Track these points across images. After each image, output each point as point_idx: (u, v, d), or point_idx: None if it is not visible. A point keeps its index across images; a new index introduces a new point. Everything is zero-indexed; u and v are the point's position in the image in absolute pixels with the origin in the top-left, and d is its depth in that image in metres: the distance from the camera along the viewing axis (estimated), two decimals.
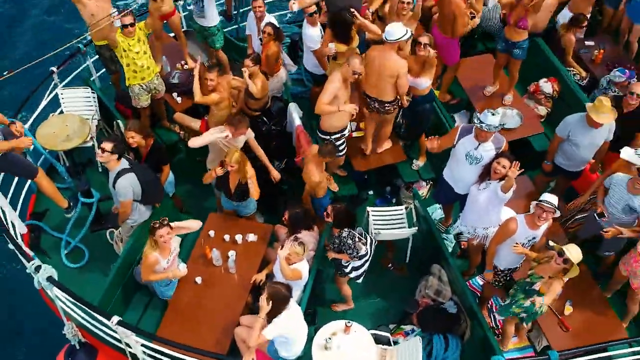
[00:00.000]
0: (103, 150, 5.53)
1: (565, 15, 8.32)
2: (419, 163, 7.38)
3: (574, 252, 4.81)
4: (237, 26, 9.36)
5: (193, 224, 5.85)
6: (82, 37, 7.39)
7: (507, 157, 5.34)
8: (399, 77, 6.17)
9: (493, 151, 5.52)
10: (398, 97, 6.42)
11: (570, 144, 6.20)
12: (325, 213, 5.84)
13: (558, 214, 5.17)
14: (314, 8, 7.03)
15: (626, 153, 5.75)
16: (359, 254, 5.64)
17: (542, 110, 7.92)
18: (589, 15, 8.32)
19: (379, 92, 6.40)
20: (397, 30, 6.11)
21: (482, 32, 8.81)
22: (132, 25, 6.29)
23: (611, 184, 5.73)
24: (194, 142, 6.30)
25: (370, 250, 5.84)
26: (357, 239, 5.61)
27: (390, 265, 6.88)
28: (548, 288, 5.03)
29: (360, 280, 6.05)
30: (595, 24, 9.29)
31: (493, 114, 5.30)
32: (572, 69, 8.20)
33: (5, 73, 5.44)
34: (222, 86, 6.55)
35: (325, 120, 6.39)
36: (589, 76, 8.24)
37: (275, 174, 6.73)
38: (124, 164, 5.69)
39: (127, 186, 5.62)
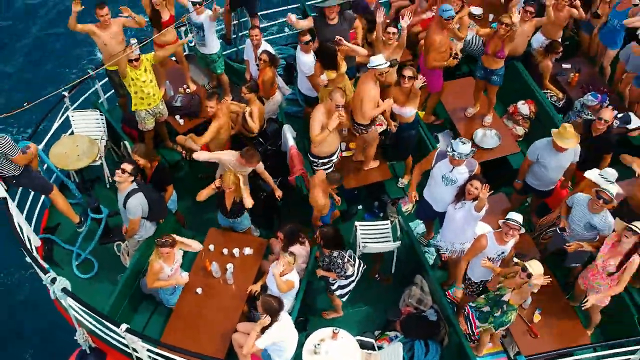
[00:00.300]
0: (123, 171, 6.11)
1: (538, 40, 8.88)
2: (404, 181, 7.95)
3: (535, 268, 5.36)
4: (236, 49, 9.94)
5: (195, 245, 6.40)
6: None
7: (479, 179, 5.89)
8: (362, 101, 6.73)
9: (466, 174, 6.08)
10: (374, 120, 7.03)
11: (539, 166, 6.75)
12: (315, 235, 6.40)
13: (523, 230, 5.72)
14: (308, 37, 7.61)
15: (591, 174, 6.31)
16: (346, 274, 6.20)
17: (520, 131, 8.48)
18: (560, 39, 8.86)
19: (358, 116, 6.99)
20: (375, 59, 6.70)
21: (467, 55, 9.37)
22: (137, 60, 6.86)
23: (573, 203, 6.29)
24: (200, 156, 6.85)
25: (357, 272, 6.38)
26: (346, 260, 6.16)
27: (377, 275, 7.42)
28: (516, 299, 5.60)
29: (344, 299, 6.58)
30: (575, 45, 9.87)
31: (464, 143, 5.87)
32: (549, 91, 8.76)
33: (25, 104, 6.00)
34: (222, 111, 7.12)
35: (317, 148, 6.94)
36: (565, 98, 8.80)
37: (278, 193, 7.25)
38: (133, 185, 6.26)
39: (137, 205, 6.20)
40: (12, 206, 6.69)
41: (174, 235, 6.10)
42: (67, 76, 12.76)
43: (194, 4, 7.75)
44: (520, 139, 8.48)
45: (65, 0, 14.97)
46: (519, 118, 8.47)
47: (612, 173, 6.19)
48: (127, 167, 6.12)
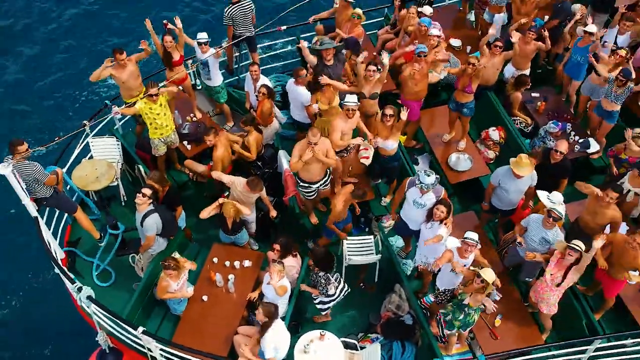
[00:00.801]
0: (144, 195, 7.11)
1: (509, 70, 9.88)
2: (386, 200, 8.93)
3: (487, 274, 6.35)
4: (237, 77, 10.94)
5: (189, 266, 7.38)
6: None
7: (444, 204, 6.87)
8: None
9: (434, 199, 7.06)
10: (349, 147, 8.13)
11: (501, 190, 7.74)
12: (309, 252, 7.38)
13: (479, 246, 6.71)
14: (305, 72, 8.63)
15: (541, 196, 7.30)
16: (328, 293, 7.17)
17: (491, 154, 9.47)
18: (529, 69, 9.84)
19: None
20: (347, 97, 7.75)
21: (445, 84, 10.36)
22: (156, 95, 7.88)
23: (528, 223, 7.27)
24: (218, 176, 7.84)
25: (340, 294, 7.31)
26: (330, 282, 7.11)
27: (361, 284, 8.39)
28: (474, 301, 6.58)
29: (324, 312, 7.55)
30: (547, 73, 10.86)
31: (428, 175, 6.88)
32: (518, 117, 9.74)
33: (55, 138, 7.01)
34: (220, 142, 8.10)
35: (299, 172, 7.94)
36: (533, 124, 9.78)
37: (273, 213, 8.23)
38: (150, 206, 7.27)
39: (153, 224, 7.20)
40: (42, 224, 7.69)
41: (179, 259, 7.08)
42: (86, 100, 13.84)
43: (199, 44, 8.77)
44: (492, 161, 9.46)
45: (93, 24, 16.14)
46: (490, 143, 9.45)
47: (558, 196, 7.18)
48: (147, 192, 7.13)
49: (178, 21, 8.95)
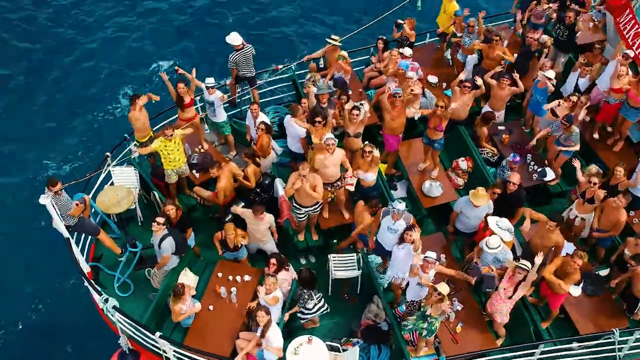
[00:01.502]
0: (158, 223, 8.49)
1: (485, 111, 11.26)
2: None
3: (443, 288, 7.70)
4: (240, 109, 12.32)
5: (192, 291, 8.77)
6: None
7: (412, 229, 8.23)
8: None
9: (404, 225, 8.42)
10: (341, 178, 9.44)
11: (463, 216, 9.10)
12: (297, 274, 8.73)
13: (437, 264, 8.07)
14: (299, 108, 10.01)
15: (490, 222, 8.67)
16: (306, 307, 8.51)
17: (460, 181, 10.83)
18: (503, 112, 11.21)
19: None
20: (327, 135, 9.15)
21: (422, 117, 11.70)
22: (171, 135, 9.29)
23: (483, 245, 8.63)
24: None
25: (317, 310, 8.64)
26: (312, 298, 8.45)
27: (345, 295, 9.75)
28: (435, 311, 7.93)
29: (303, 322, 8.90)
30: (516, 106, 12.23)
31: (400, 202, 8.24)
32: (485, 148, 11.10)
33: (87, 174, 8.38)
34: (224, 174, 9.47)
35: (294, 196, 9.29)
36: (498, 154, 11.14)
37: (276, 236, 9.58)
38: (165, 230, 8.64)
39: (168, 247, 8.58)
40: (73, 244, 9.05)
41: (185, 284, 8.43)
42: (107, 131, 15.41)
43: (207, 87, 10.17)
44: (461, 187, 10.83)
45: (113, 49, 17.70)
46: (460, 171, 10.81)
47: (505, 223, 8.57)
48: (161, 220, 8.51)
49: (194, 72, 10.38)
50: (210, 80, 10.23)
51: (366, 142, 9.44)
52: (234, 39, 10.80)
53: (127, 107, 15.95)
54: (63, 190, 8.70)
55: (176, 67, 10.46)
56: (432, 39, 13.41)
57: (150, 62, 17.58)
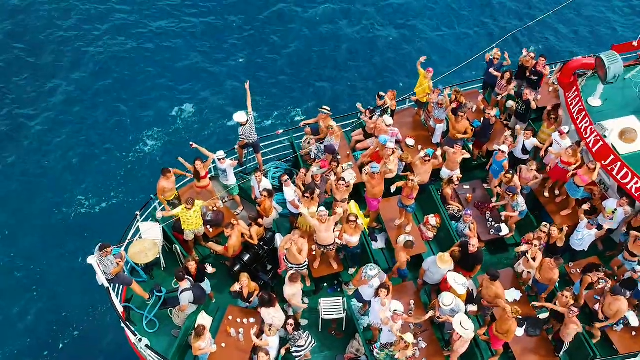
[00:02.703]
0: (179, 279, 10.61)
1: (445, 172, 13.37)
2: (352, 270, 12.42)
3: (408, 338, 9.83)
4: (245, 167, 14.43)
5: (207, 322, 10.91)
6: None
7: (385, 288, 10.34)
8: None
9: (379, 282, 10.53)
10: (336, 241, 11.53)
11: (430, 272, 11.23)
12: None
13: (405, 315, 10.18)
14: (286, 177, 12.10)
15: (449, 278, 10.79)
16: (298, 344, 10.60)
17: (430, 234, 12.94)
18: (459, 171, 13.31)
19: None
20: (320, 208, 11.26)
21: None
22: (192, 205, 11.42)
23: (442, 297, 10.73)
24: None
25: (308, 346, 10.66)
26: (301, 337, 10.50)
27: (333, 332, 11.88)
28: (401, 355, 10.06)
29: (298, 357, 10.83)
30: (481, 165, 14.36)
31: (371, 269, 10.36)
32: (451, 205, 13.22)
33: (127, 240, 10.52)
34: (235, 233, 11.58)
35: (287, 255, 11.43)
36: (463, 209, 13.25)
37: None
38: (187, 284, 10.78)
39: (186, 298, 10.73)
40: (112, 293, 11.18)
41: (203, 325, 10.54)
42: (136, 168, 17.82)
43: (219, 159, 12.31)
44: (431, 239, 12.95)
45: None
46: (430, 226, 12.93)
47: (461, 279, 10.69)
48: (180, 275, 10.63)
49: (211, 155, 12.61)
50: (221, 153, 12.39)
51: (352, 212, 11.57)
52: (240, 117, 12.91)
53: (152, 146, 18.36)
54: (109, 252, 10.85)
55: (191, 143, 12.63)
56: (411, 104, 15.54)
57: (173, 104, 20.01)
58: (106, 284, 11.01)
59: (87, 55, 21.30)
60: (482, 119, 14.00)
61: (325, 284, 12.59)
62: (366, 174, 12.16)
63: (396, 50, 21.85)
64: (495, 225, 12.89)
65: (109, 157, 18.51)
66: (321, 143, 13.67)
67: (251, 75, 19.95)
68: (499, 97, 14.88)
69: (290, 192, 12.16)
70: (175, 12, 23.09)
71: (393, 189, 12.36)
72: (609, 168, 12.31)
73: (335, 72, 21.21)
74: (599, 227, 11.90)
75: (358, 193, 13.47)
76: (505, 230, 12.84)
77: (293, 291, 10.84)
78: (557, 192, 13.38)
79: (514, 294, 11.84)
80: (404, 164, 13.31)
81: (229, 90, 20.37)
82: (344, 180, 11.80)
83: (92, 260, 10.27)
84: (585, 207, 12.09)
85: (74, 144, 18.83)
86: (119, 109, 19.83)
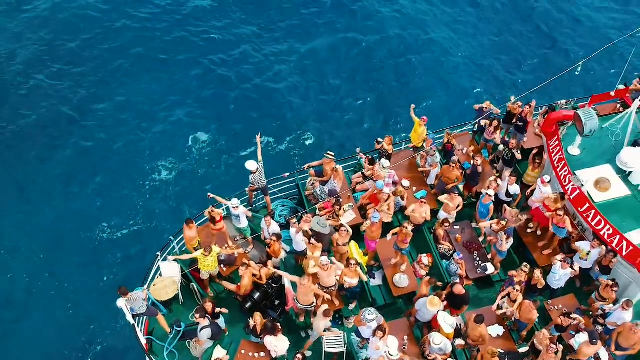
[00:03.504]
0: (198, 317, 11.95)
1: (441, 214, 14.68)
2: (352, 306, 13.74)
3: None
4: (254, 205, 15.74)
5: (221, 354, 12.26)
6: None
7: (382, 330, 11.65)
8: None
9: (377, 324, 11.85)
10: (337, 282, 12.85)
11: (421, 312, 12.55)
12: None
13: (397, 356, 11.51)
14: (295, 220, 13.42)
15: (439, 318, 12.12)
16: None
17: (423, 272, 14.21)
18: (454, 215, 14.64)
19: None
20: (322, 257, 12.57)
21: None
22: (210, 252, 12.75)
23: (432, 337, 12.07)
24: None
25: None
26: None
27: None
28: None
29: None
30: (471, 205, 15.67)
31: (370, 314, 11.67)
32: (443, 244, 14.54)
33: (146, 287, 11.85)
34: (247, 274, 12.90)
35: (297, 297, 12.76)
36: (453, 249, 14.57)
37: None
38: (206, 322, 12.12)
39: (204, 335, 12.08)
40: (137, 328, 12.52)
41: (220, 358, 11.90)
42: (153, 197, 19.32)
43: (233, 207, 13.64)
44: (424, 276, 14.25)
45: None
46: (422, 265, 14.23)
47: (450, 320, 12.02)
48: (197, 315, 11.96)
49: (226, 202, 13.94)
50: (235, 201, 13.70)
51: (353, 257, 12.89)
52: (251, 165, 14.22)
53: (166, 177, 19.71)
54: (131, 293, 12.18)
55: (208, 194, 13.98)
56: (407, 145, 16.86)
57: (188, 133, 21.56)
58: (132, 321, 12.37)
59: (109, 87, 22.87)
60: (472, 164, 15.30)
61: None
62: (366, 227, 13.52)
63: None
64: (482, 265, 14.21)
65: (129, 185, 19.94)
66: (324, 185, 14.98)
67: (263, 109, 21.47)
68: (488, 143, 16.17)
69: (299, 235, 13.50)
70: (193, 43, 24.61)
71: (389, 237, 13.68)
72: (584, 215, 13.63)
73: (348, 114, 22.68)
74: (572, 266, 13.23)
75: (357, 232, 14.77)
76: (490, 269, 14.17)
77: (327, 325, 12.22)
78: (539, 232, 14.69)
79: (497, 330, 13.16)
80: (402, 200, 14.73)
81: (241, 120, 21.88)
82: (344, 226, 13.11)
83: (121, 303, 11.63)
84: (560, 257, 13.33)
85: (98, 171, 20.36)
86: (139, 137, 21.36)
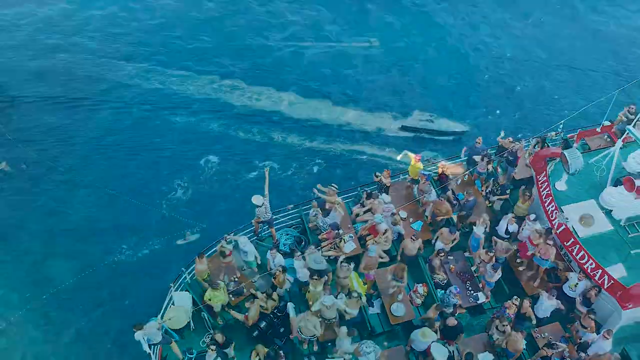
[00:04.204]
0: (212, 349, 12.93)
1: (438, 245, 15.63)
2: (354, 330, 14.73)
3: None
4: (260, 234, 16.69)
5: None
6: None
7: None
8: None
9: (374, 355, 12.82)
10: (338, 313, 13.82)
11: (416, 342, 13.53)
12: None
13: None
14: (299, 253, 14.40)
15: (433, 348, 13.09)
16: None
17: (419, 301, 15.20)
18: (450, 245, 15.59)
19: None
20: (325, 298, 13.51)
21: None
22: (218, 287, 13.71)
23: None
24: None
25: None
26: None
27: None
28: None
29: None
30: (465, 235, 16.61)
31: (367, 347, 12.64)
32: (438, 274, 15.48)
33: (161, 319, 12.83)
34: (253, 305, 13.87)
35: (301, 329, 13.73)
36: (447, 279, 15.52)
37: None
38: (215, 354, 13.09)
39: None
40: (153, 356, 13.50)
41: None
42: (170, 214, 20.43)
43: (242, 244, 14.62)
44: (419, 305, 15.23)
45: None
46: (418, 294, 15.21)
47: (443, 351, 13.00)
48: (211, 347, 12.96)
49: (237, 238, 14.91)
50: (244, 239, 14.67)
51: (355, 290, 13.86)
52: (257, 200, 15.16)
53: (181, 196, 20.77)
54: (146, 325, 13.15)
55: (225, 236, 14.95)
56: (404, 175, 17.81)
57: (200, 154, 22.84)
58: (148, 350, 13.36)
59: (127, 109, 24.62)
60: (465, 198, 16.24)
61: (330, 344, 14.88)
62: (364, 267, 14.58)
63: None
64: (474, 294, 15.18)
65: (147, 204, 20.99)
66: (326, 216, 15.91)
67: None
68: (480, 175, 17.11)
69: (299, 265, 14.45)
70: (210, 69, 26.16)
71: (389, 277, 14.66)
72: (569, 249, 14.59)
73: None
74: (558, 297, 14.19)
75: (358, 261, 15.71)
76: (482, 298, 15.13)
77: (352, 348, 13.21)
78: (524, 263, 15.65)
79: (487, 357, 14.14)
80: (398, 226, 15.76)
81: (252, 142, 23.32)
82: (347, 264, 14.09)
83: (138, 336, 12.63)
84: (546, 295, 14.33)
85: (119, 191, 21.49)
86: (155, 159, 22.65)
